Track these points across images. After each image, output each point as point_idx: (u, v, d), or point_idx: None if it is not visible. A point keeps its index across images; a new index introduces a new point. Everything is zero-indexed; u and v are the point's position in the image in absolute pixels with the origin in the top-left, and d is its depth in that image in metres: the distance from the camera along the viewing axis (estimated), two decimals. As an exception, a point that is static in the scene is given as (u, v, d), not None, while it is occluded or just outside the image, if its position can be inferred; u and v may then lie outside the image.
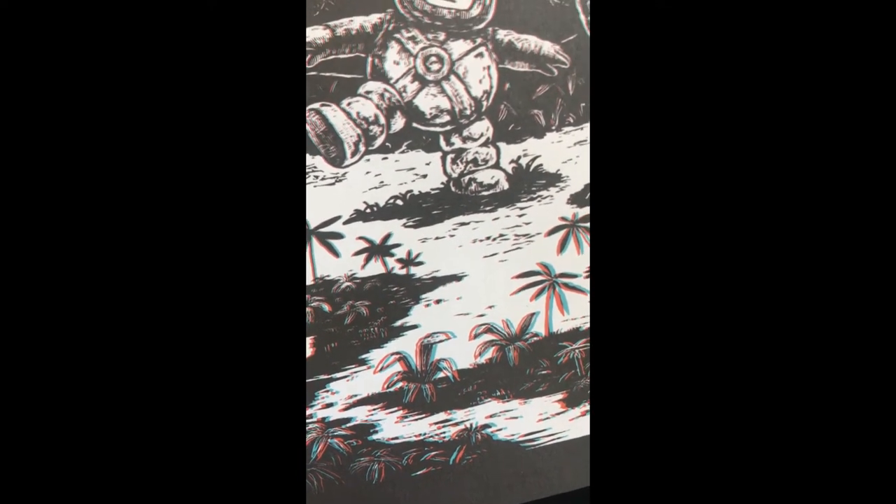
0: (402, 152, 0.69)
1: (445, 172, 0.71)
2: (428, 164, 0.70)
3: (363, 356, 0.72)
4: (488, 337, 0.74)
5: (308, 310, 0.70)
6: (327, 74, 0.67)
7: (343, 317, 0.71)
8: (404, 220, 0.70)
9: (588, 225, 0.74)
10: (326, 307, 0.70)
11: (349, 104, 0.68)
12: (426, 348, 0.73)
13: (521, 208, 0.73)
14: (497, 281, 0.73)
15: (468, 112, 0.70)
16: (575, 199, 0.73)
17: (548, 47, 0.71)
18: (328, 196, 0.68)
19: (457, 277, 0.72)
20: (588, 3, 0.71)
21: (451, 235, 0.71)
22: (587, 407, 0.78)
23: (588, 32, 0.71)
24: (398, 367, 0.73)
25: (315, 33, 0.66)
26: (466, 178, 0.71)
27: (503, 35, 0.70)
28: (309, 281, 0.69)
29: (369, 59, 0.67)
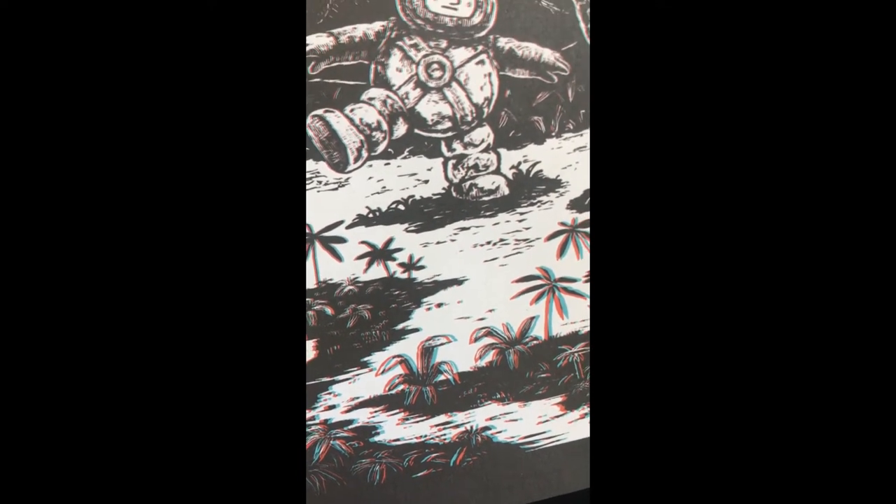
0: (404, 158, 0.70)
1: (447, 178, 0.71)
2: (429, 169, 0.70)
3: (365, 359, 0.72)
4: (489, 340, 0.74)
5: (311, 313, 0.70)
6: (331, 81, 0.67)
7: (345, 320, 0.71)
8: (406, 225, 0.70)
9: (587, 230, 0.74)
10: (329, 310, 0.70)
11: (352, 110, 0.68)
12: (427, 351, 0.73)
13: (522, 213, 0.73)
14: (497, 285, 0.73)
15: (469, 118, 0.70)
16: (574, 205, 0.73)
17: (548, 55, 0.71)
18: (331, 201, 0.69)
19: (458, 281, 0.72)
20: (588, 11, 0.71)
21: (453, 240, 0.72)
22: (586, 410, 0.78)
23: (588, 40, 0.71)
24: (400, 370, 0.73)
25: (319, 40, 0.66)
26: (467, 183, 0.71)
27: (504, 43, 0.70)
28: (312, 284, 0.69)
29: (372, 66, 0.68)
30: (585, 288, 0.76)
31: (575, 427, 0.78)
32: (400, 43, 0.68)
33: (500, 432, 0.76)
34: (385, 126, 0.69)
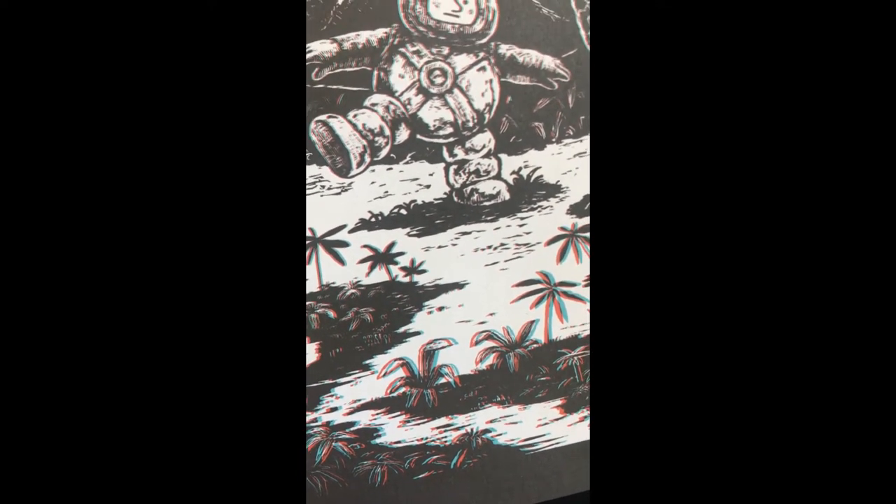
0: (407, 163, 0.70)
1: (448, 183, 0.71)
2: (431, 174, 0.70)
3: (367, 361, 0.72)
4: (489, 343, 0.75)
5: (313, 316, 0.70)
6: (334, 87, 0.67)
7: (348, 323, 0.71)
8: (408, 230, 0.71)
9: (587, 235, 0.74)
10: (332, 313, 0.70)
11: (355, 116, 0.68)
12: (428, 354, 0.74)
13: (522, 218, 0.73)
14: (498, 289, 0.74)
15: (471, 124, 0.70)
16: (574, 210, 0.74)
17: (549, 62, 0.71)
18: (334, 205, 0.69)
19: (459, 285, 0.73)
20: (588, 19, 0.71)
21: (454, 244, 0.72)
22: (585, 413, 0.78)
23: (588, 47, 0.71)
24: (401, 373, 0.73)
25: (322, 47, 0.66)
26: (469, 188, 0.71)
27: (505, 49, 0.70)
28: (315, 288, 0.70)
29: (375, 72, 0.68)
30: (585, 292, 0.76)
31: (574, 430, 0.78)
32: (402, 50, 0.68)
33: (500, 435, 0.76)
34: (387, 131, 0.69)
